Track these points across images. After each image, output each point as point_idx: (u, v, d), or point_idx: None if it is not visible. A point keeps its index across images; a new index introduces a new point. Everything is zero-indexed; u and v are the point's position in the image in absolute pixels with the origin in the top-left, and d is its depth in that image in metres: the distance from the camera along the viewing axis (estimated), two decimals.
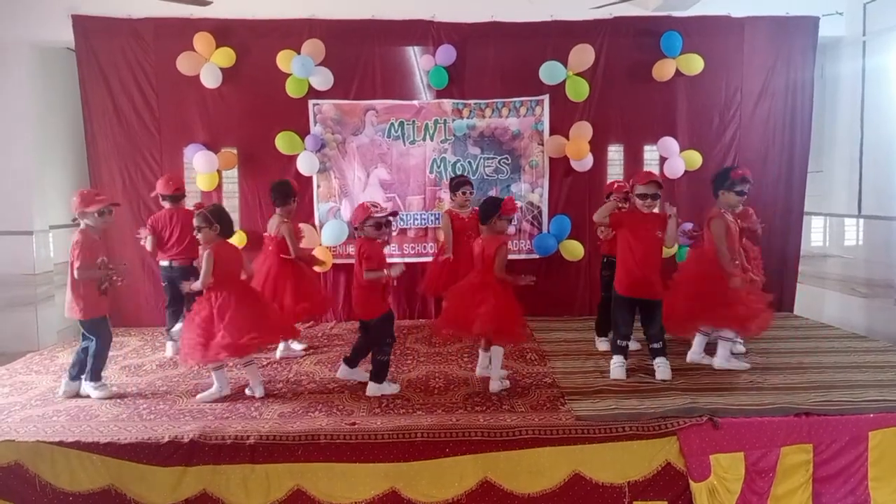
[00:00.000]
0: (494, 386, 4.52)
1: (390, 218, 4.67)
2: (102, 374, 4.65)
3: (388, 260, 4.83)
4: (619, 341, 4.78)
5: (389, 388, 4.54)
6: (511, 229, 6.51)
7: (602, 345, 5.49)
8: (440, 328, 4.77)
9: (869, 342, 5.70)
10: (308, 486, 3.72)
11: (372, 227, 4.49)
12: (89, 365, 4.57)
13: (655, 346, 4.74)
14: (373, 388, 4.50)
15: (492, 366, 4.63)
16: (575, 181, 6.69)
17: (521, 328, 4.69)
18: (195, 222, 4.50)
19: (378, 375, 4.52)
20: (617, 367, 4.71)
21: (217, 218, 4.50)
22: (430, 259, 6.52)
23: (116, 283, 4.58)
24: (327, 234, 6.38)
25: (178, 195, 5.66)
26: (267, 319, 4.55)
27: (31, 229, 6.27)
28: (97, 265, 4.51)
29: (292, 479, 3.72)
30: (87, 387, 4.57)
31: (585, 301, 6.75)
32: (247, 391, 4.55)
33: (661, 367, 4.69)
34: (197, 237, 4.57)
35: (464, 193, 5.93)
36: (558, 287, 6.75)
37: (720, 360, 4.89)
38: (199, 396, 4.49)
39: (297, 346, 5.65)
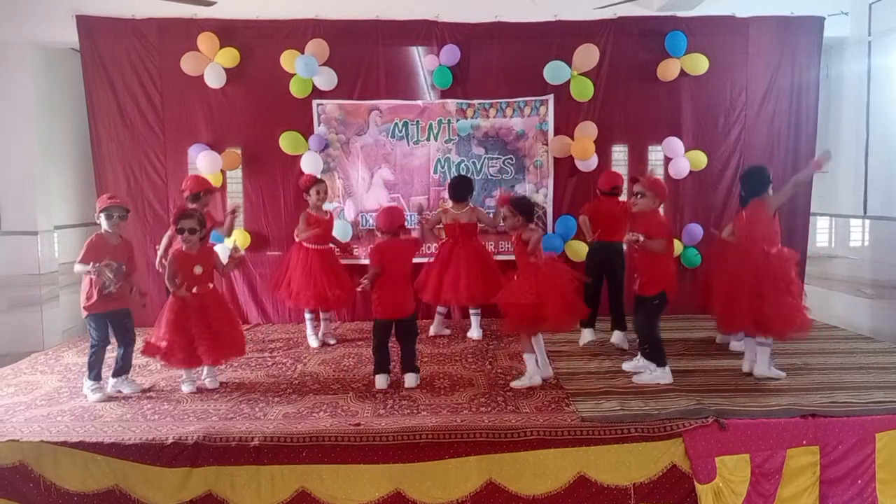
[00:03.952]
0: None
1: None
2: (104, 375, 4.62)
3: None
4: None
5: None
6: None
7: (587, 336, 5.57)
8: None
9: (875, 343, 5.68)
10: (312, 487, 3.72)
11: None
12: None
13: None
14: (415, 379, 4.71)
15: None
16: (580, 181, 6.67)
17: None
18: (188, 224, 4.48)
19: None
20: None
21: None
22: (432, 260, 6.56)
23: (109, 286, 4.41)
24: None
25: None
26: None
27: (36, 230, 6.27)
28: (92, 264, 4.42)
29: (297, 481, 3.72)
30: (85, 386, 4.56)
31: None
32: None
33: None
34: (187, 239, 4.52)
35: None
36: None
37: (761, 368, 4.69)
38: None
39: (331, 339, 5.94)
